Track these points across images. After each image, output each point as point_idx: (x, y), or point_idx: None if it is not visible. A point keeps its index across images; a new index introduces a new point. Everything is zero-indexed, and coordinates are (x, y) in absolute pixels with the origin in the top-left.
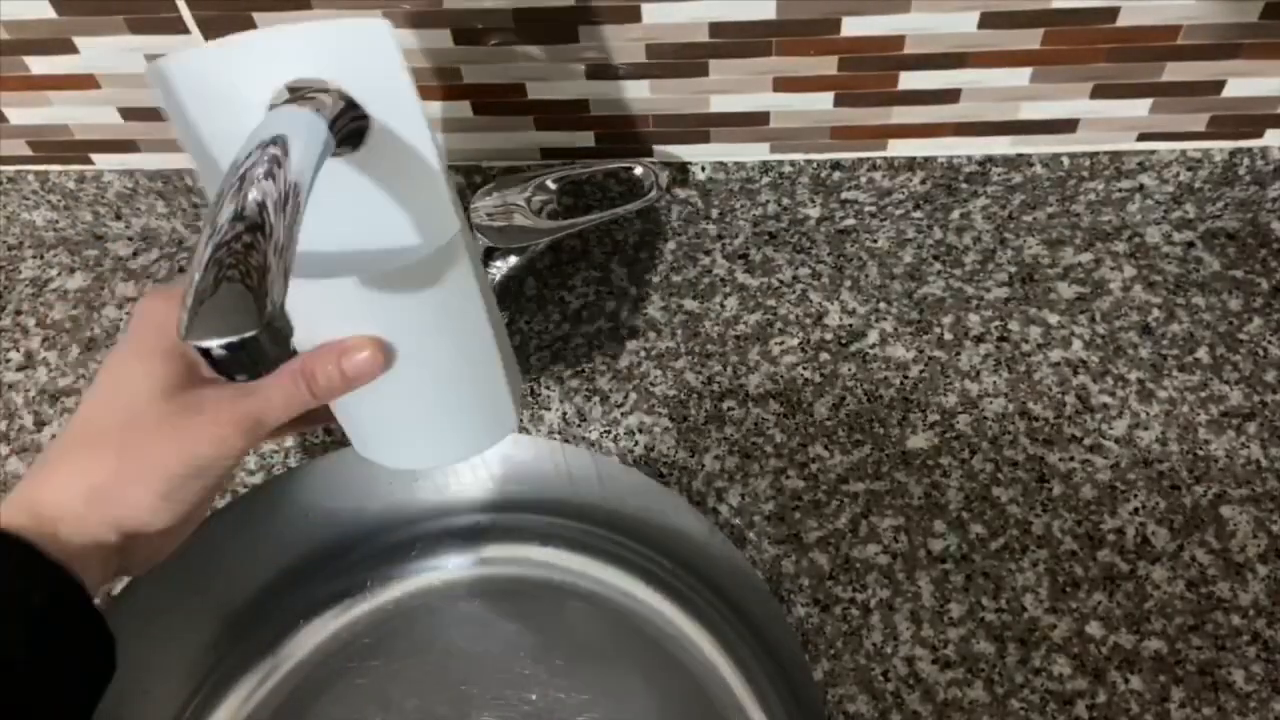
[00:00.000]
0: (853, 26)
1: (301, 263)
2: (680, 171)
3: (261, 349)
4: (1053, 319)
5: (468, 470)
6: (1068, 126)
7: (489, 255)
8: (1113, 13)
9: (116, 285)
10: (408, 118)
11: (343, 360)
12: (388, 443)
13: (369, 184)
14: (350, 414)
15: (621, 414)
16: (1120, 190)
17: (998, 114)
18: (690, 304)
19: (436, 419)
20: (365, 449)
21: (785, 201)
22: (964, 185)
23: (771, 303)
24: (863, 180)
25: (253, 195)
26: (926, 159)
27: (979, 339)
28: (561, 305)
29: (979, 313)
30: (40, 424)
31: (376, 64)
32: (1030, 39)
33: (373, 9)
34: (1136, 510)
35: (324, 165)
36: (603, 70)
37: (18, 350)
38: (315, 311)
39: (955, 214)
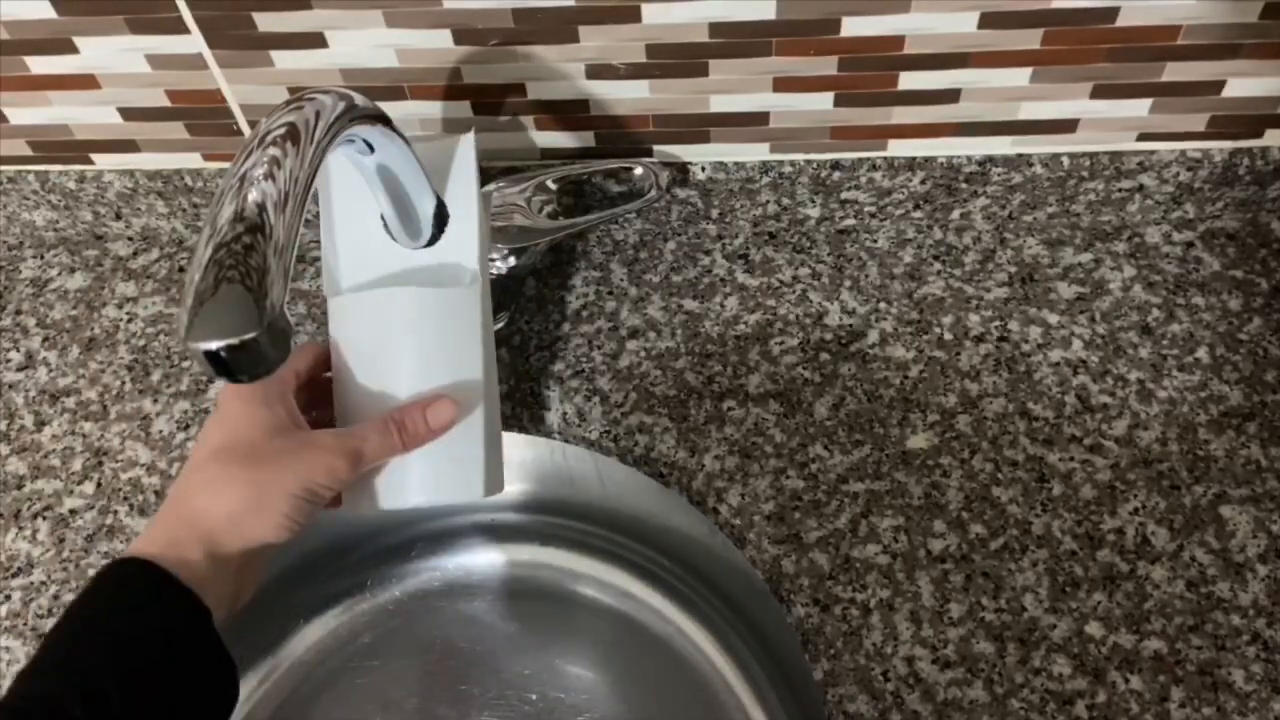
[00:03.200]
0: (853, 26)
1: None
2: (680, 171)
3: (261, 350)
4: (1053, 319)
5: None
6: (1068, 126)
7: (489, 255)
8: (1113, 13)
9: (116, 285)
10: (466, 208)
11: (428, 412)
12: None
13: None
14: None
15: (621, 414)
16: (1120, 190)
17: (998, 114)
18: (690, 304)
19: (407, 459)
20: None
21: (785, 201)
22: (964, 185)
23: (771, 303)
24: (863, 180)
25: (253, 196)
26: (926, 159)
27: (979, 339)
28: (561, 305)
29: (979, 313)
30: (40, 424)
31: (458, 169)
32: (1030, 39)
33: (373, 9)
34: (1136, 510)
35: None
36: (602, 70)
37: (18, 350)
38: (345, 319)
39: (955, 214)
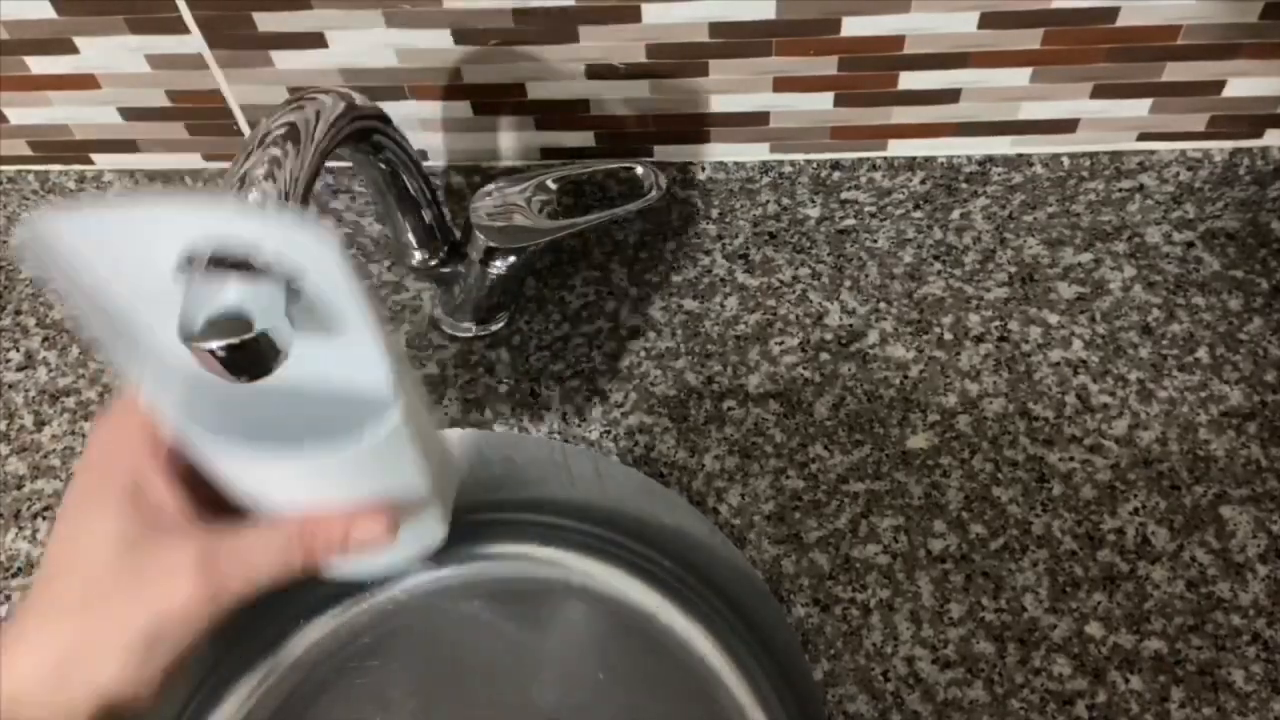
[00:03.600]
0: (853, 26)
1: (239, 428)
2: (680, 171)
3: (261, 350)
4: (1053, 319)
5: (467, 470)
6: (1068, 126)
7: (489, 255)
8: (1113, 13)
9: None
10: (352, 316)
11: (353, 528)
12: None
13: (310, 369)
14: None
15: (621, 414)
16: (1120, 190)
17: (998, 114)
18: (690, 304)
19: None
20: None
21: (785, 201)
22: (964, 185)
23: (771, 303)
24: (863, 180)
25: (253, 196)
26: (926, 159)
27: (979, 339)
28: (561, 305)
29: (979, 313)
30: (40, 424)
31: (320, 269)
32: (1030, 39)
33: (372, 8)
34: (1136, 510)
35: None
36: (603, 70)
37: (18, 350)
38: (245, 472)
39: (955, 214)
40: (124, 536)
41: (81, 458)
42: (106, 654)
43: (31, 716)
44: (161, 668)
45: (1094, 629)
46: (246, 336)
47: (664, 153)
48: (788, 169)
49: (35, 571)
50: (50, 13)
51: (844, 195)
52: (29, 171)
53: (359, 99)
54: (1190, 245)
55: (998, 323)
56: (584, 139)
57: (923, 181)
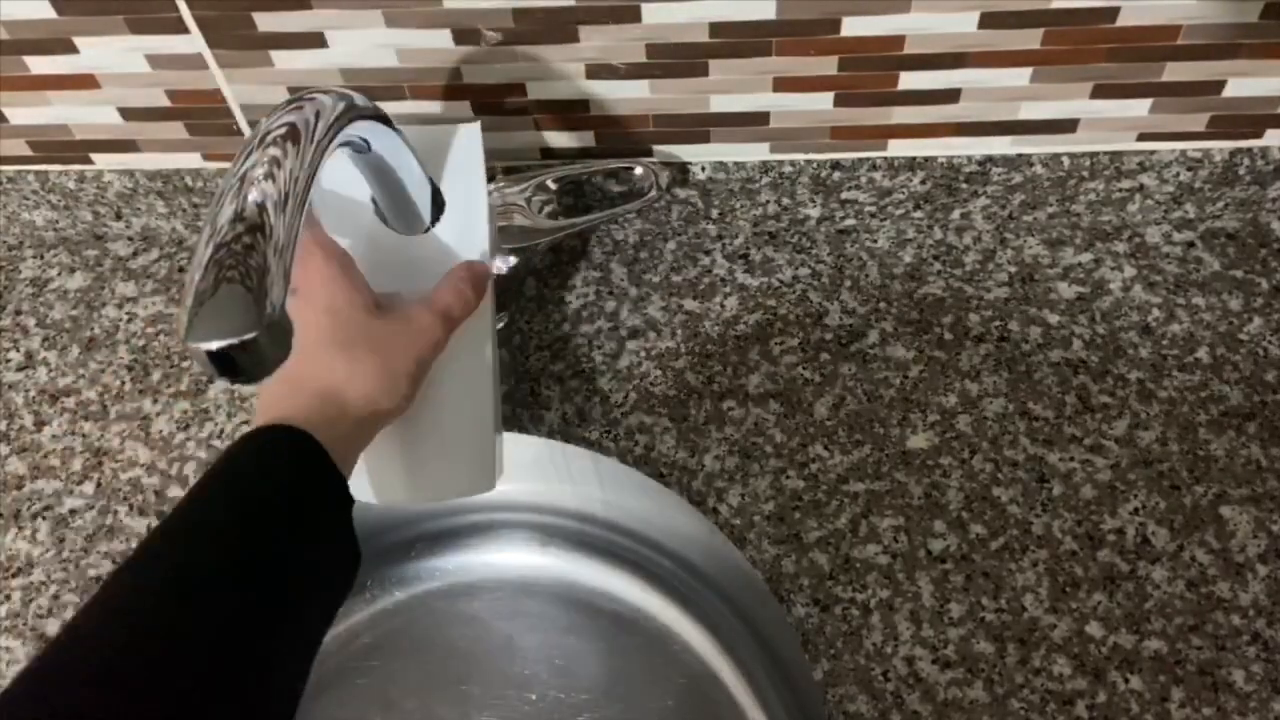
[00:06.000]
0: (853, 26)
1: None
2: (680, 171)
3: (261, 350)
4: (1053, 319)
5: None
6: (1068, 126)
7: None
8: (1113, 13)
9: (116, 285)
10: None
11: (472, 271)
12: (375, 474)
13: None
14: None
15: (621, 414)
16: (1120, 190)
17: (998, 114)
18: (690, 304)
19: (425, 454)
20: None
21: (785, 201)
22: (964, 185)
23: (771, 303)
24: (863, 180)
25: (253, 196)
26: (926, 159)
27: (979, 339)
28: (561, 305)
29: (979, 313)
30: (40, 424)
31: (461, 157)
32: (1030, 39)
33: (373, 9)
34: (1136, 510)
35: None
36: (602, 70)
37: (18, 350)
38: None
39: (955, 214)
40: (371, 302)
41: (302, 266)
42: (397, 389)
43: (344, 427)
44: (416, 389)
45: (1094, 629)
46: (246, 337)
47: (664, 153)
48: (788, 169)
49: (301, 333)
50: (50, 13)
51: (844, 195)
52: (29, 171)
53: (359, 99)
54: (1190, 245)
55: (998, 323)
56: (584, 139)
57: (923, 181)
